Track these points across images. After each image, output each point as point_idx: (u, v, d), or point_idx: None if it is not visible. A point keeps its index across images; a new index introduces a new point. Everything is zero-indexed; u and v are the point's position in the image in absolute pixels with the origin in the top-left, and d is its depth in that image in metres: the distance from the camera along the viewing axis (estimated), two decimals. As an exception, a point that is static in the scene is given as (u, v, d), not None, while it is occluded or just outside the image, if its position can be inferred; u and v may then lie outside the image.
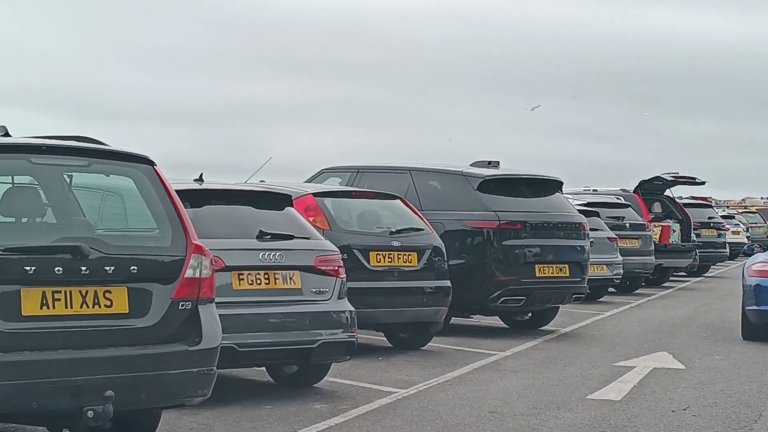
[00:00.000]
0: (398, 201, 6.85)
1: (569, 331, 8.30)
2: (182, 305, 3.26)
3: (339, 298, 5.03)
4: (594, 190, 14.33)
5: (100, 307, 3.12)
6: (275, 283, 4.72)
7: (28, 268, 2.95)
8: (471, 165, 8.03)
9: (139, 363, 3.16)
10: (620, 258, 11.35)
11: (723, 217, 19.96)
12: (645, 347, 7.06)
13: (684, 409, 4.85)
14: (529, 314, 8.34)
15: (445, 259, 6.64)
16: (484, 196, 7.32)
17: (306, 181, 8.10)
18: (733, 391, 5.46)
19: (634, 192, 14.12)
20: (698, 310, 11.04)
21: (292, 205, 5.28)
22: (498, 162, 8.03)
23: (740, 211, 27.77)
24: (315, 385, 5.15)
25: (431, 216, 7.14)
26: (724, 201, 31.68)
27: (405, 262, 6.38)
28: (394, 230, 6.60)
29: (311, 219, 5.90)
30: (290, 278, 4.78)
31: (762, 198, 33.39)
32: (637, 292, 13.01)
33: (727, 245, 18.03)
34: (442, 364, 6.21)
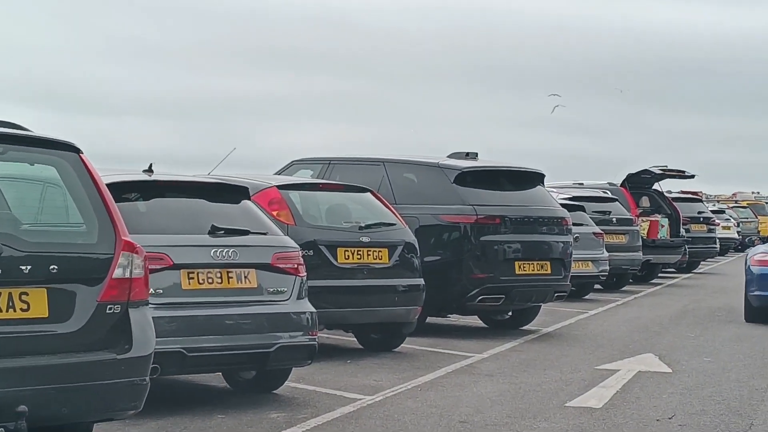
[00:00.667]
0: (369, 194, 6.57)
1: (551, 331, 8.06)
2: (110, 308, 3.05)
3: (299, 298, 4.84)
4: (580, 184, 14.00)
5: (15, 311, 2.90)
6: (229, 282, 4.51)
7: None
8: (448, 156, 7.72)
9: (60, 373, 2.94)
10: (606, 254, 11.18)
11: (713, 211, 19.77)
12: (630, 348, 6.84)
13: (669, 418, 4.69)
14: (509, 313, 8.06)
15: (418, 255, 6.43)
16: (461, 189, 7.01)
17: (275, 174, 7.75)
18: (722, 397, 5.33)
19: (621, 186, 13.90)
20: (687, 308, 10.78)
21: (249, 198, 5.05)
22: (476, 153, 7.72)
23: (731, 205, 27.71)
24: (275, 391, 4.91)
25: (406, 210, 6.86)
26: (715, 195, 31.35)
27: (375, 259, 6.18)
28: (363, 225, 6.38)
29: (275, 213, 5.73)
30: (245, 277, 4.57)
31: (753, 192, 33.21)
32: (624, 289, 12.89)
33: (718, 240, 17.83)
34: (413, 368, 6.03)
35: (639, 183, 14.28)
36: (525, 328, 8.08)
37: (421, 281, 6.34)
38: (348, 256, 6.02)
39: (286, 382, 5.05)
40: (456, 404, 4.96)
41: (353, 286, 6.04)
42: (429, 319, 7.32)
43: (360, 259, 6.09)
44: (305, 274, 4.86)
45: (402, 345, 6.57)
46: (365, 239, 6.14)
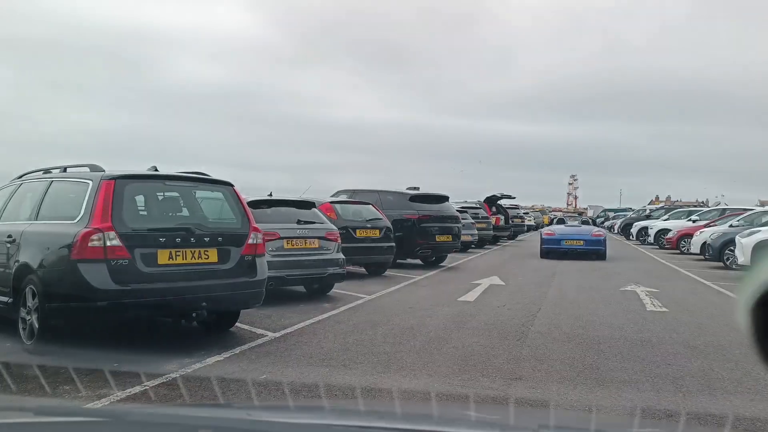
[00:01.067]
0: (370, 206, 13.25)
1: (453, 266, 15.55)
2: (247, 258, 6.17)
3: (337, 252, 9.02)
4: (466, 201, 25.56)
5: (202, 258, 5.71)
6: (306, 245, 8.88)
7: (162, 239, 5.49)
8: (406, 189, 15.17)
9: (222, 288, 5.85)
10: (476, 231, 21.12)
11: (524, 213, 38.25)
12: (486, 273, 13.59)
13: (503, 306, 8.37)
14: (434, 258, 15.57)
15: (393, 232, 12.93)
16: (411, 203, 14.39)
17: (331, 196, 14.75)
18: (526, 295, 9.57)
19: (484, 201, 26.07)
20: (512, 255, 19.85)
21: (316, 207, 9.70)
22: (419, 187, 15.26)
23: (531, 210, 55.60)
24: (328, 294, 9.31)
25: (387, 212, 14.00)
26: (525, 206, 57.51)
27: (373, 234, 12.40)
28: (367, 219, 12.62)
29: (329, 214, 12.45)
30: (312, 242, 8.85)
31: (541, 204, 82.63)
32: (485, 247, 23.75)
33: (526, 226, 36.49)
34: (391, 283, 11.22)
35: (491, 200, 26.75)
36: (441, 264, 15.48)
37: (393, 244, 12.67)
38: (361, 233, 12.08)
39: (334, 289, 9.45)
40: (408, 299, 8.85)
41: (363, 246, 12.09)
42: (398, 261, 14.56)
43: (366, 234, 12.23)
44: (340, 241, 9.30)
45: (386, 273, 13.15)
46: (369, 225, 12.55)
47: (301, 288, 9.83)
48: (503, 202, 28.64)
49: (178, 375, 4.88)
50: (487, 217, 24.02)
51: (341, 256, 9.30)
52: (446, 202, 15.28)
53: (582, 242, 18.71)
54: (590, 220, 26.93)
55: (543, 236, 19.41)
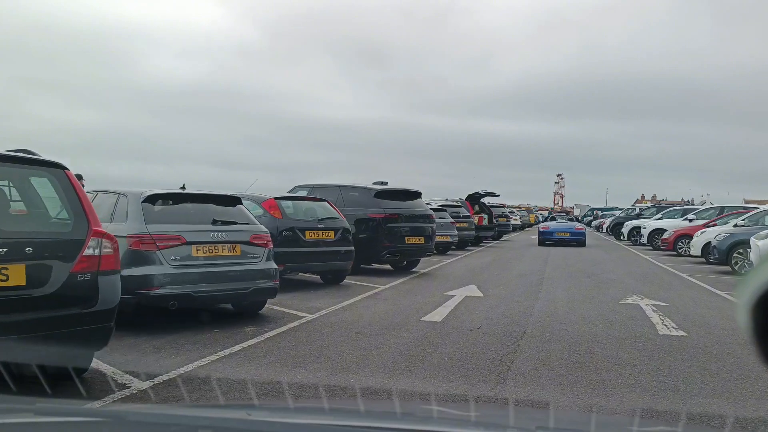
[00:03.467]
0: (325, 202, 11.15)
1: (426, 271, 13.71)
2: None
3: (267, 260, 7.12)
4: (447, 199, 24.50)
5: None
6: (221, 251, 6.74)
7: None
8: (372, 183, 13.19)
9: None
10: (456, 232, 19.72)
11: (509, 212, 36.44)
12: (463, 281, 11.70)
13: (478, 328, 6.75)
14: (404, 263, 13.69)
15: (351, 234, 10.72)
16: (377, 200, 12.40)
17: (288, 192, 12.79)
18: (508, 313, 7.89)
19: (465, 200, 24.70)
20: (495, 258, 17.95)
21: (242, 204, 7.60)
22: (387, 182, 13.30)
23: (517, 209, 55.65)
24: (260, 312, 7.57)
25: (350, 210, 12.10)
26: (511, 205, 59.14)
27: (326, 236, 10.21)
28: (320, 218, 10.42)
29: (272, 212, 9.93)
30: (233, 248, 6.85)
31: (527, 203, 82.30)
32: (466, 248, 22.30)
33: (511, 225, 34.99)
34: (346, 294, 9.30)
35: (474, 198, 25.68)
36: (413, 270, 13.66)
37: (352, 248, 10.63)
38: (311, 235, 10.03)
39: (269, 305, 7.74)
40: (358, 320, 7.18)
41: (314, 251, 9.98)
42: (362, 266, 12.63)
43: (318, 236, 10.09)
44: (272, 246, 7.26)
45: (345, 281, 11.08)
46: (321, 226, 10.24)
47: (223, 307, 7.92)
48: (487, 200, 27.27)
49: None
50: (468, 216, 22.67)
51: (272, 265, 7.38)
52: (417, 199, 13.40)
53: (568, 234, 26.62)
54: (575, 218, 36.11)
55: (540, 229, 27.56)
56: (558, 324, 7.50)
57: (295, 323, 7.19)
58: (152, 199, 6.87)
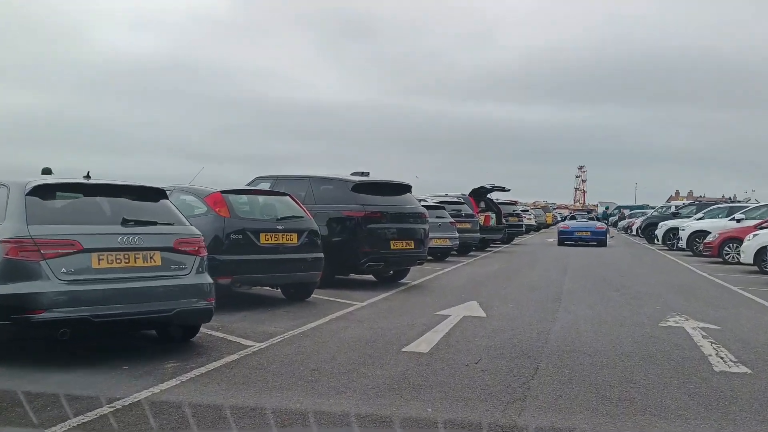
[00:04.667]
0: (288, 197, 10.17)
1: (417, 283, 12.95)
2: None
3: (198, 272, 6.35)
4: (446, 194, 23.61)
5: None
6: (135, 262, 5.85)
7: None
8: (350, 174, 12.37)
9: None
10: (457, 234, 19.19)
11: (522, 210, 35.82)
12: (462, 296, 10.87)
13: (476, 363, 6.09)
14: (391, 273, 12.94)
15: (320, 238, 9.87)
16: (356, 194, 11.58)
17: (246, 185, 12.00)
18: (519, 340, 7.24)
19: (469, 195, 24.13)
20: (503, 266, 17.56)
21: (167, 198, 6.83)
22: (368, 172, 12.50)
23: (532, 207, 56.14)
24: (192, 339, 6.81)
25: (321, 208, 11.36)
26: (524, 203, 60.77)
27: (287, 240, 9.35)
28: (279, 218, 9.59)
29: (217, 209, 8.91)
30: (151, 257, 5.97)
31: (543, 201, 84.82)
32: (469, 254, 21.91)
33: (524, 226, 34.42)
34: (311, 314, 8.63)
35: (479, 194, 24.79)
36: (401, 281, 12.95)
37: (321, 254, 9.73)
38: (268, 238, 9.15)
39: (207, 330, 7.04)
40: (319, 350, 6.50)
41: (271, 259, 9.15)
42: (337, 277, 11.83)
43: (276, 240, 9.24)
44: (205, 254, 6.52)
45: (312, 296, 10.11)
46: (280, 227, 9.34)
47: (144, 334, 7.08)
48: (495, 196, 26.69)
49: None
50: (472, 215, 21.98)
51: (206, 279, 6.58)
52: (407, 194, 12.60)
53: (589, 233, 29.41)
54: (596, 217, 35.79)
55: (560, 229, 31.02)
56: (581, 356, 6.66)
57: (235, 356, 6.38)
58: (40, 191, 5.99)
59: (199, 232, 6.73)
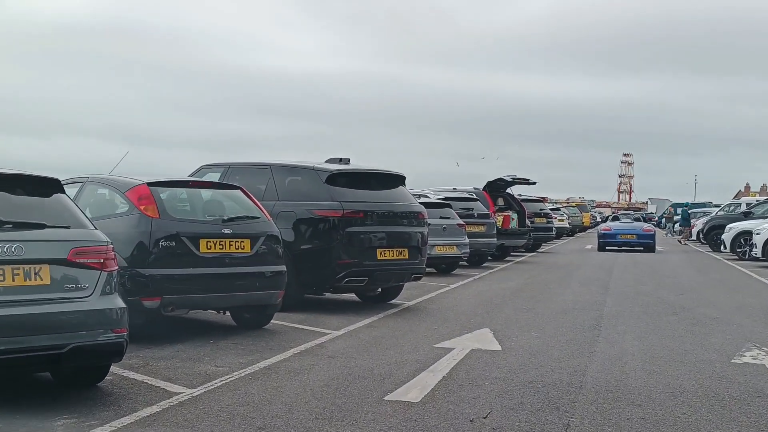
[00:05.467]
0: (239, 191, 9.73)
1: (413, 304, 12.61)
2: None
3: (104, 294, 6.04)
4: (454, 188, 23.50)
5: None
6: (14, 280, 5.54)
7: None
8: (325, 161, 11.97)
9: None
10: (467, 240, 18.88)
11: (552, 209, 36.92)
12: (472, 322, 10.63)
13: (484, 417, 5.88)
14: (379, 290, 12.52)
15: (281, 245, 9.54)
16: (331, 188, 11.16)
17: (189, 176, 11.60)
18: (543, 383, 6.99)
19: (483, 190, 23.89)
20: (527, 281, 17.40)
21: (63, 192, 6.44)
22: (348, 159, 12.10)
23: (565, 205, 58.16)
24: (99, 384, 6.47)
25: (286, 206, 10.99)
26: (556, 200, 64.11)
27: (237, 249, 8.95)
28: (226, 218, 9.26)
29: (143, 207, 8.49)
30: (35, 273, 5.65)
31: (579, 197, 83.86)
32: (484, 265, 21.77)
33: (555, 229, 33.63)
34: (267, 348, 8.39)
35: (496, 188, 24.71)
36: (393, 301, 12.60)
37: (283, 268, 9.37)
38: (210, 246, 8.71)
39: (119, 371, 6.77)
40: (272, 399, 6.27)
41: (215, 273, 8.72)
42: (308, 296, 11.47)
43: (222, 249, 8.81)
44: (115, 268, 6.22)
45: (275, 321, 9.82)
46: (227, 231, 8.92)
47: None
48: (516, 190, 26.71)
49: None
50: (487, 215, 21.62)
51: (114, 303, 6.13)
52: (399, 187, 12.20)
53: (635, 236, 31.58)
54: (641, 217, 42.18)
55: (600, 231, 33.27)
56: (628, 407, 6.27)
57: (155, 407, 5.95)
58: None
59: (105, 239, 6.28)
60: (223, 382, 6.82)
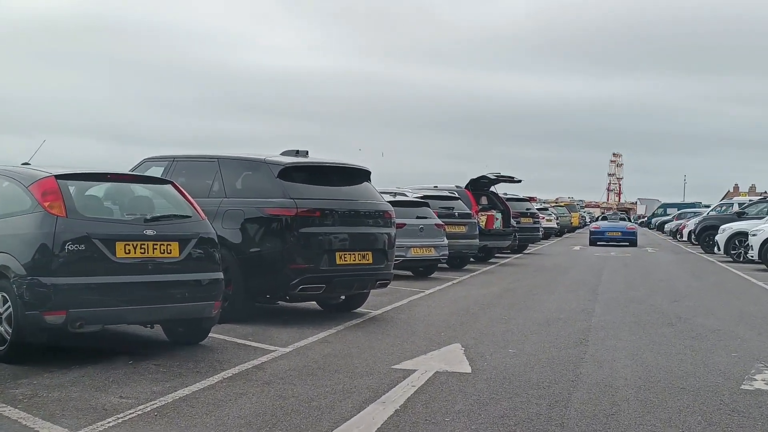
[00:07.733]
0: (169, 186, 8.58)
1: (379, 314, 11.38)
2: None
3: None
4: (435, 186, 22.95)
5: None
6: None
7: None
8: (281, 154, 10.74)
9: None
10: (446, 241, 18.06)
11: (540, 209, 37.55)
12: (442, 336, 9.37)
13: None
14: (341, 298, 11.31)
15: (218, 248, 8.32)
16: (284, 183, 9.86)
17: (130, 170, 10.49)
18: (517, 419, 5.88)
19: (465, 188, 23.39)
20: (509, 286, 16.40)
21: None
22: (307, 152, 10.87)
23: (553, 205, 57.31)
24: None
25: (234, 204, 9.85)
26: (545, 200, 63.70)
27: (162, 253, 7.74)
28: (149, 217, 8.03)
29: (47, 204, 7.32)
30: None
31: (569, 197, 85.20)
32: (465, 268, 20.95)
33: (542, 229, 33.02)
34: (193, 371, 7.21)
35: (479, 186, 24.23)
36: (357, 310, 11.40)
37: (219, 275, 8.21)
38: (129, 250, 7.50)
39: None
40: None
41: (134, 282, 7.50)
42: (259, 305, 10.38)
43: (144, 253, 7.60)
44: None
45: (217, 335, 8.74)
46: (150, 232, 7.70)
47: None
48: (501, 189, 26.12)
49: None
50: (469, 215, 20.90)
51: None
52: (363, 183, 11.02)
53: (620, 233, 38.54)
54: (627, 217, 48.75)
55: (591, 229, 40.76)
56: None
57: None
58: None
59: None
60: (119, 420, 5.48)
